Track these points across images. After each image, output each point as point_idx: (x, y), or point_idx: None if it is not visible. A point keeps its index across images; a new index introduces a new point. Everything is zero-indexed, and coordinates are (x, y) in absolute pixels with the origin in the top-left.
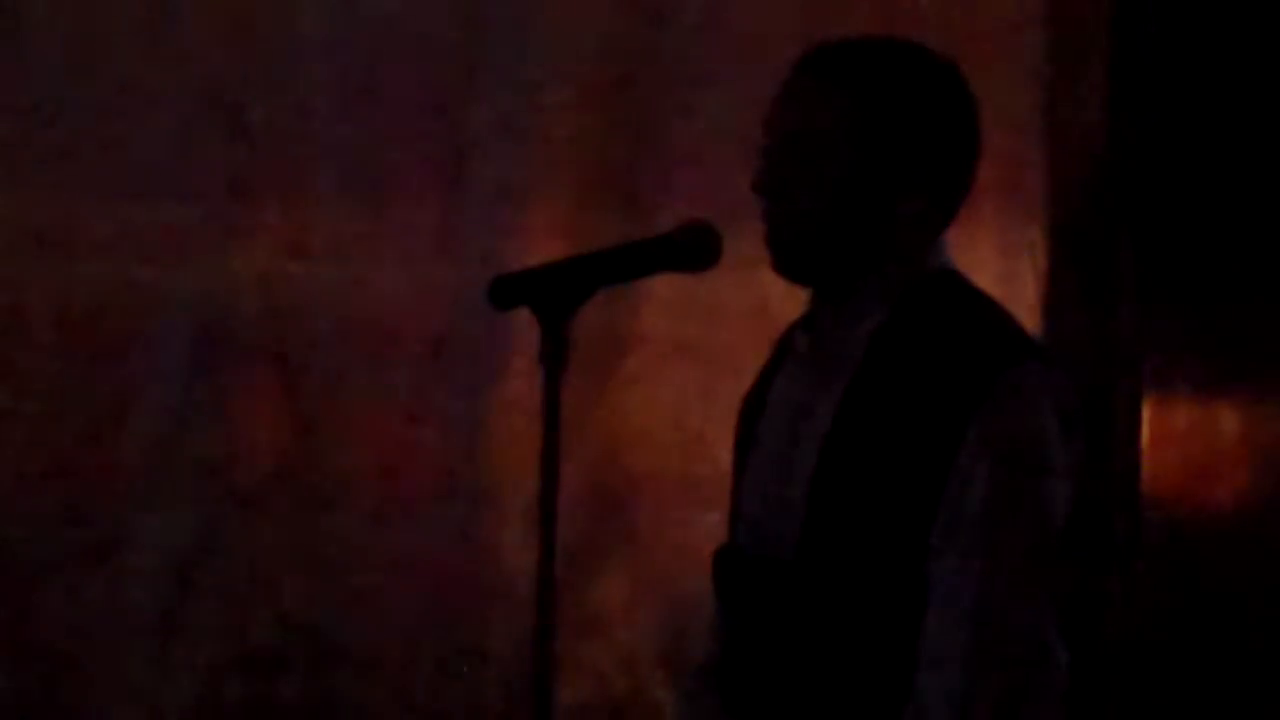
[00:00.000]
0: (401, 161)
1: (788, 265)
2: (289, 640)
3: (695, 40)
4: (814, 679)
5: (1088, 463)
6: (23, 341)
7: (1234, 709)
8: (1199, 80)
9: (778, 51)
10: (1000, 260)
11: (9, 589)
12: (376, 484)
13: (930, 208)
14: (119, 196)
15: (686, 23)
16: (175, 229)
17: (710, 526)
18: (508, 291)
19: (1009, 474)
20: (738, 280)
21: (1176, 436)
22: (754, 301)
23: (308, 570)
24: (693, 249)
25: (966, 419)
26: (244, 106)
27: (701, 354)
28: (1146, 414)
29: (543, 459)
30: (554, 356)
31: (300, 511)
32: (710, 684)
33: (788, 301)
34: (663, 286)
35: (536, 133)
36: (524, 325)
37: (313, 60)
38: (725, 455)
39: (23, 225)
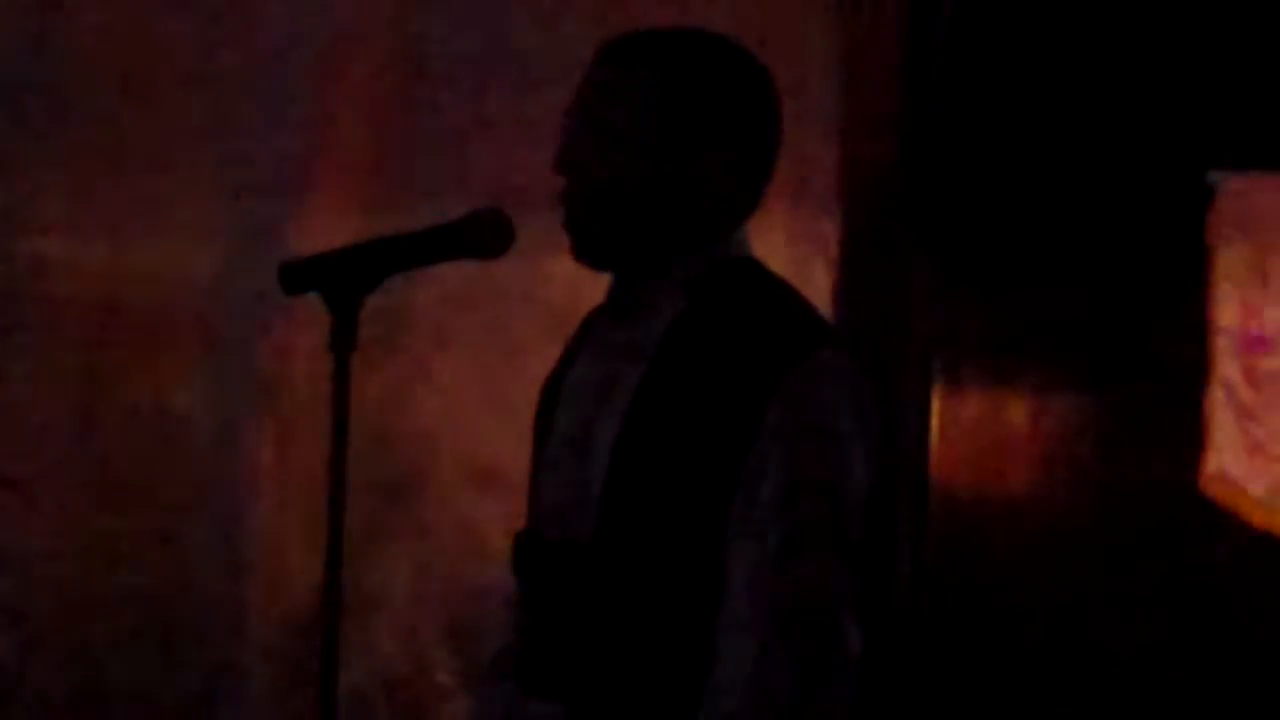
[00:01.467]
0: (181, 142)
1: (586, 248)
2: (55, 625)
3: (487, 24)
4: (613, 662)
5: (880, 449)
6: None
7: (1016, 692)
8: (992, 75)
9: (576, 38)
10: (792, 250)
11: None
12: (153, 471)
13: (731, 193)
14: None
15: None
16: None
17: (490, 513)
18: (298, 277)
19: (805, 459)
20: (518, 268)
21: (964, 427)
22: (535, 290)
23: (77, 557)
24: (485, 235)
25: (763, 404)
26: (20, 85)
27: (479, 340)
28: (935, 404)
29: (332, 443)
30: (343, 342)
31: (72, 499)
32: (506, 669)
33: (570, 290)
34: (442, 273)
35: (322, 118)
36: (308, 312)
37: (90, 41)
38: (505, 443)
39: None
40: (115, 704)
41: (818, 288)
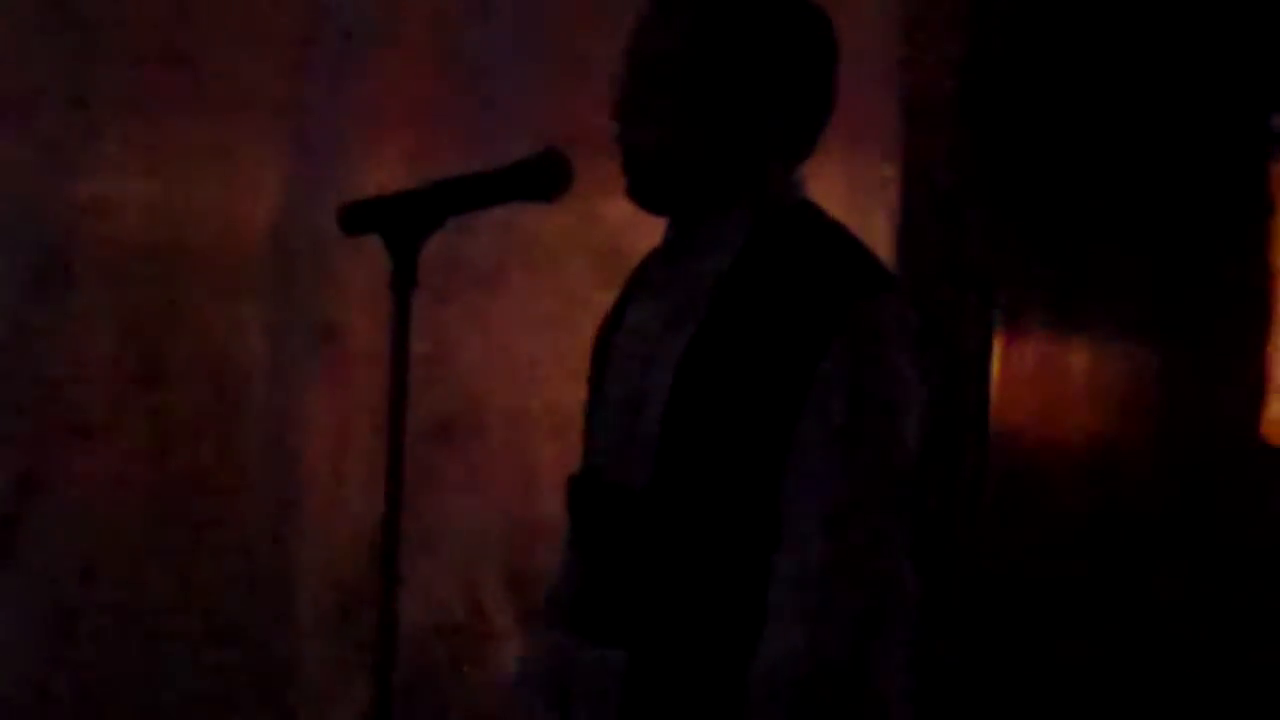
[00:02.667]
0: (245, 85)
1: (643, 193)
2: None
3: None
4: (667, 605)
5: (939, 397)
6: None
7: (1077, 639)
8: (1055, 17)
9: None
10: (853, 196)
11: None
12: (217, 414)
13: (787, 138)
14: None
15: None
16: (16, 149)
17: (546, 456)
18: (359, 218)
19: (863, 404)
20: (572, 211)
21: (1026, 372)
22: (589, 233)
23: (141, 494)
24: (544, 177)
25: (821, 350)
26: (87, 24)
27: (535, 283)
28: (997, 349)
29: (391, 382)
30: (403, 283)
31: (136, 437)
32: (560, 611)
33: (624, 233)
34: (496, 216)
35: (381, 62)
36: (359, 251)
37: None
38: (561, 384)
39: None
40: (172, 649)
41: (879, 232)
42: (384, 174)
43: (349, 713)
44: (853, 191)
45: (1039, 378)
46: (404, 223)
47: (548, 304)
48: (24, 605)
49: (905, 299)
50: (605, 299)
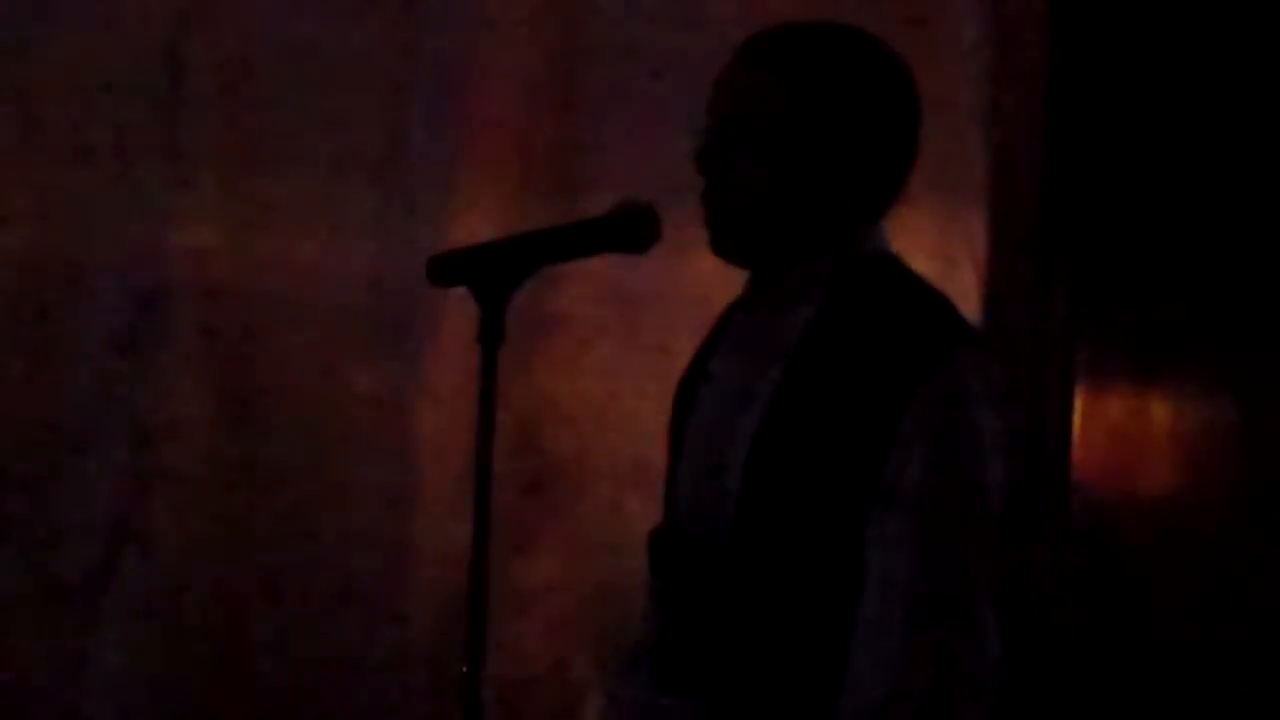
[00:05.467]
0: (339, 140)
1: (725, 246)
2: (215, 611)
3: (629, 19)
4: (748, 657)
5: (1020, 450)
6: None
7: (1157, 695)
8: (1139, 68)
9: (715, 33)
10: (939, 246)
11: None
12: (306, 463)
13: (870, 193)
14: (49, 163)
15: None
16: (111, 198)
17: (634, 508)
18: (447, 270)
19: (945, 458)
20: (662, 262)
21: (1107, 425)
22: (678, 285)
23: (237, 543)
24: (633, 229)
25: (903, 403)
26: (185, 78)
27: (624, 336)
28: (1078, 402)
29: (479, 437)
30: (491, 336)
31: (232, 486)
32: (641, 663)
33: (713, 284)
34: (586, 267)
35: (472, 114)
36: (454, 305)
37: (251, 34)
38: (648, 437)
39: None
40: (272, 694)
41: (963, 284)
42: (476, 225)
43: None
44: (941, 240)
45: (1121, 431)
46: (491, 274)
47: (636, 356)
48: (119, 655)
49: (987, 352)
50: (694, 348)
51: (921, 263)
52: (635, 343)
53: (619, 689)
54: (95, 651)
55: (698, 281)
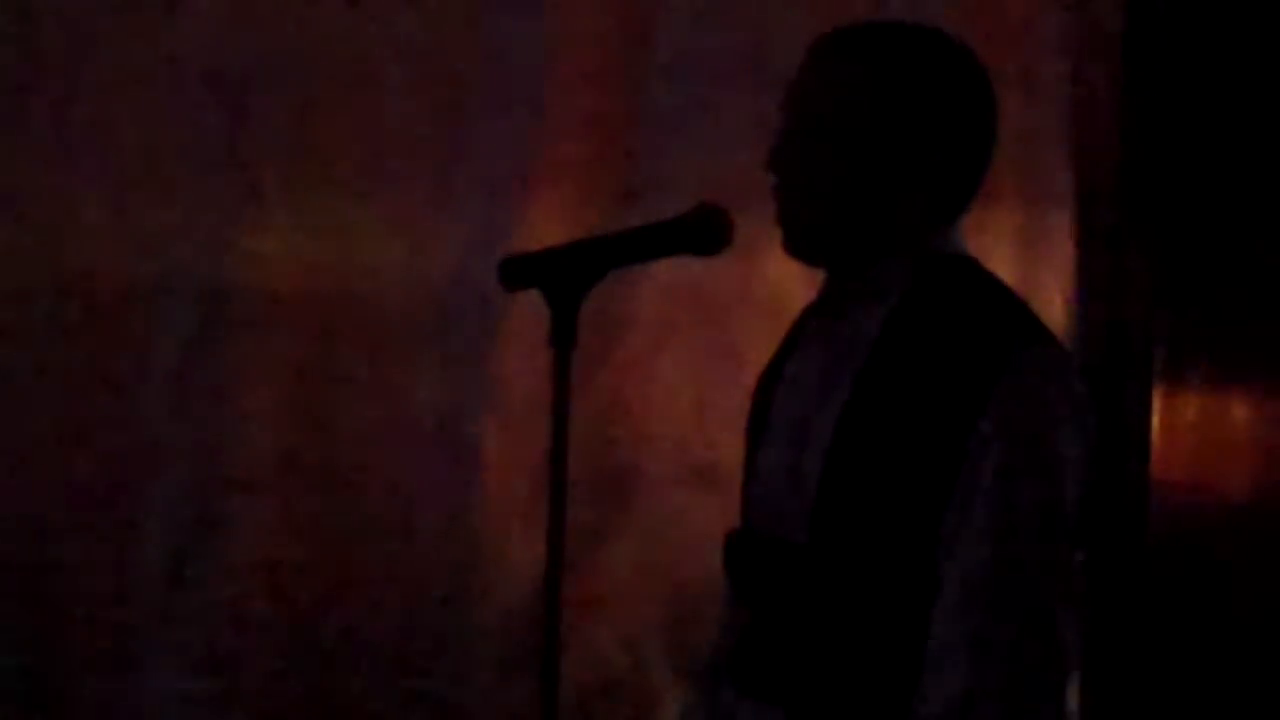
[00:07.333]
0: (406, 144)
1: (799, 246)
2: (284, 617)
3: (698, 23)
4: (828, 661)
5: (1097, 452)
6: (28, 318)
7: (1239, 699)
8: (1216, 71)
9: (784, 39)
10: (1019, 248)
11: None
12: (372, 466)
13: (945, 193)
14: (121, 174)
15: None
16: (180, 205)
17: (710, 511)
18: (519, 272)
19: (1022, 459)
20: (734, 264)
21: (1185, 427)
22: (751, 287)
23: (306, 549)
24: (705, 232)
25: (980, 403)
26: (245, 82)
27: (697, 338)
28: (1156, 404)
29: (553, 440)
30: (564, 338)
31: (301, 492)
32: (721, 672)
33: (783, 287)
34: (657, 269)
35: (540, 119)
36: (524, 308)
37: (315, 38)
38: (723, 440)
39: (21, 204)
40: (338, 703)
41: (1044, 285)
42: (544, 230)
43: None
44: (1023, 242)
45: (1199, 431)
46: (563, 277)
47: (710, 359)
48: (190, 657)
49: (1063, 354)
50: (767, 352)
51: (999, 264)
52: (705, 346)
53: (700, 694)
54: (164, 656)
55: (767, 284)
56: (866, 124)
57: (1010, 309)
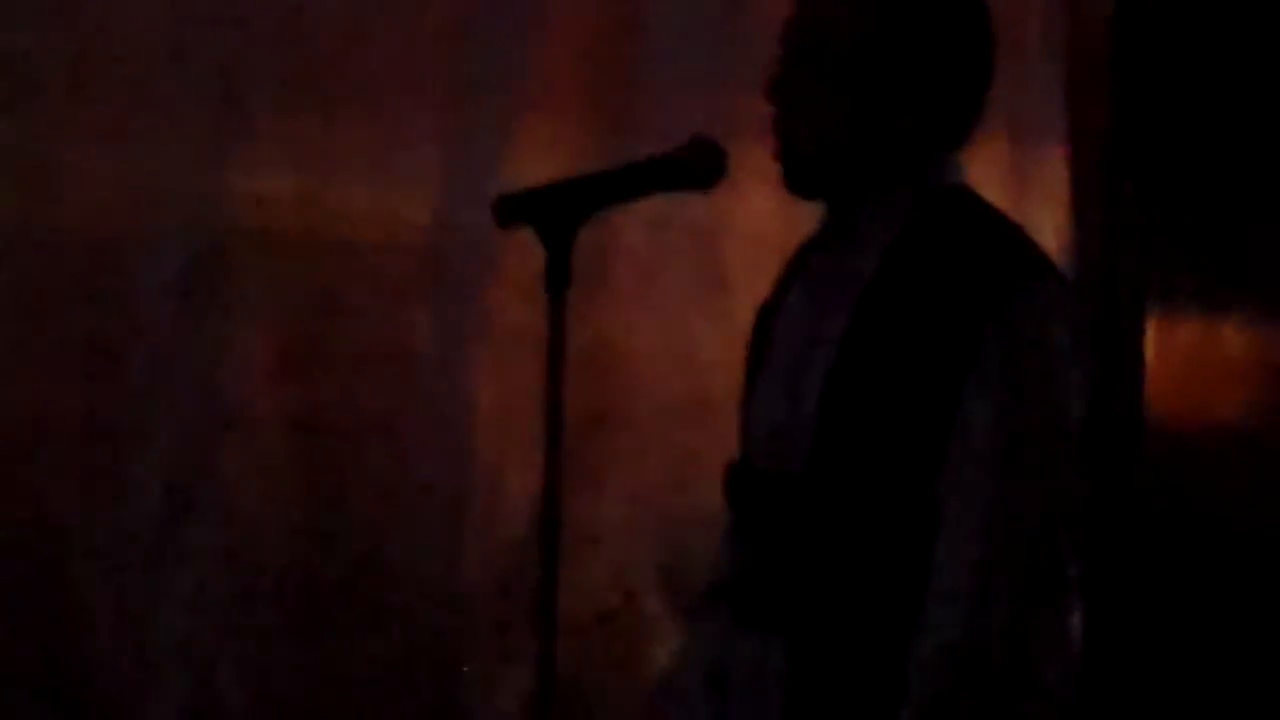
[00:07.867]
0: (400, 84)
1: (797, 178)
2: (283, 557)
3: None
4: (828, 591)
5: (1092, 380)
6: (22, 265)
7: (1231, 623)
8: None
9: None
10: (1011, 179)
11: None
12: (368, 407)
13: (944, 122)
14: (112, 112)
15: None
16: (170, 145)
17: (697, 444)
18: (513, 209)
19: (1022, 384)
20: (719, 197)
21: (1179, 354)
22: (743, 221)
23: (304, 492)
24: (699, 166)
25: (979, 333)
26: (242, 20)
27: (689, 274)
28: (1150, 331)
29: (548, 377)
30: (558, 275)
31: (294, 433)
32: (719, 600)
33: (770, 221)
34: (647, 204)
35: (532, 56)
36: (515, 244)
37: None
38: (709, 373)
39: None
40: (338, 640)
41: (1037, 216)
42: (539, 166)
43: (512, 699)
44: (1016, 177)
45: (1193, 358)
46: (557, 214)
47: (700, 292)
48: (185, 600)
49: (1063, 284)
50: (756, 286)
51: (993, 194)
52: (694, 279)
53: (698, 625)
54: (164, 603)
55: (763, 218)
56: (866, 52)
57: (1012, 240)
